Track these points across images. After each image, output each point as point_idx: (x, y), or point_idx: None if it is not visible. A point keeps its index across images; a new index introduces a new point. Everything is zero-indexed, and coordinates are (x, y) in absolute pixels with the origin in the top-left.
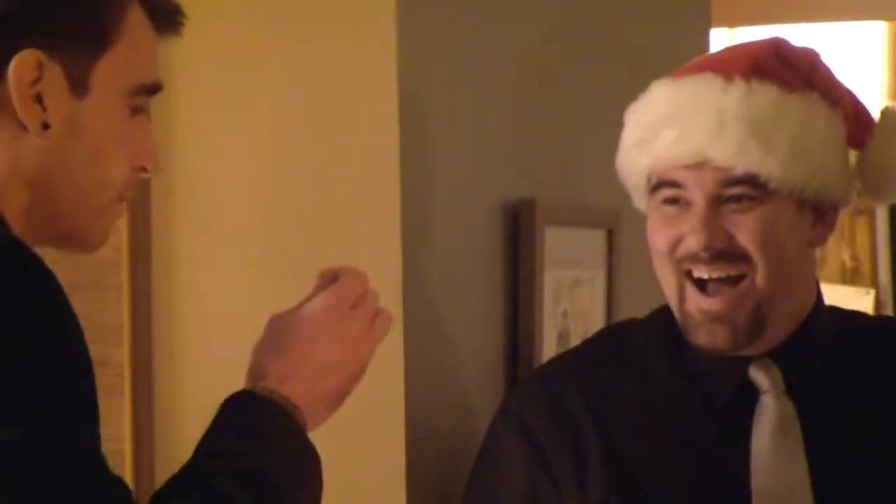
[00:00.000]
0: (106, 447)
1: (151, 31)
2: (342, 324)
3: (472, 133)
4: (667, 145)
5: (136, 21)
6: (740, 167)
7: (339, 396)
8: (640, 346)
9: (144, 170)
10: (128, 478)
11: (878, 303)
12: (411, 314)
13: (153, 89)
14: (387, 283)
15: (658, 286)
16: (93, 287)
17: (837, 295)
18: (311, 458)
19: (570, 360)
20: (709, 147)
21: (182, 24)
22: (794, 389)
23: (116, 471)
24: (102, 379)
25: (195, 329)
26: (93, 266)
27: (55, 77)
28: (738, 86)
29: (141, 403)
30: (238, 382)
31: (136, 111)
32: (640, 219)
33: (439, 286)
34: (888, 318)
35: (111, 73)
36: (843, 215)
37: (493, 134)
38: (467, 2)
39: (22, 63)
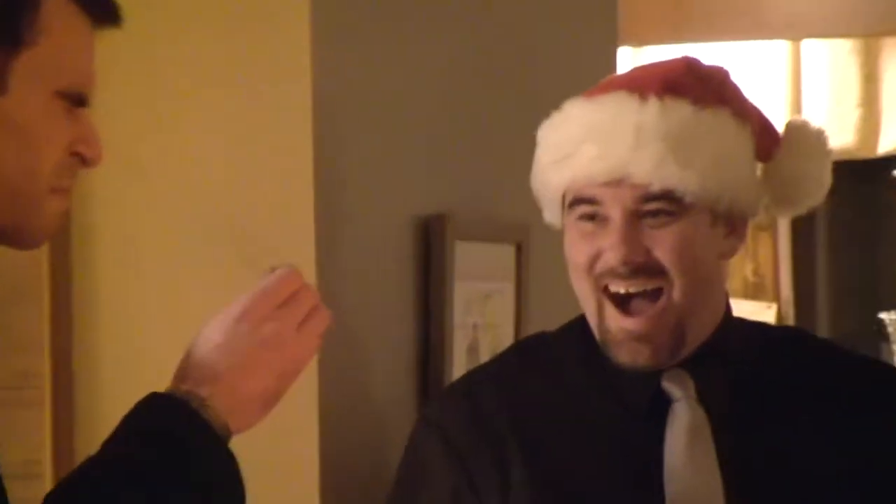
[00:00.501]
0: (26, 458)
1: (84, 28)
2: (264, 323)
3: (385, 148)
4: (585, 163)
5: (58, 19)
6: (658, 183)
7: (270, 397)
8: (555, 358)
9: (83, 158)
10: (47, 489)
11: (780, 317)
12: None
13: (79, 98)
14: None
15: (565, 299)
16: (12, 298)
17: (741, 309)
18: (220, 459)
19: (488, 370)
20: (628, 164)
21: (118, 14)
22: (705, 397)
23: (36, 483)
24: (23, 392)
25: (116, 339)
26: (12, 276)
27: None
28: (654, 103)
29: (61, 415)
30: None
31: (68, 109)
32: (548, 233)
33: (351, 299)
34: (791, 327)
35: (32, 71)
36: None
37: (407, 150)
38: (383, 21)
39: None
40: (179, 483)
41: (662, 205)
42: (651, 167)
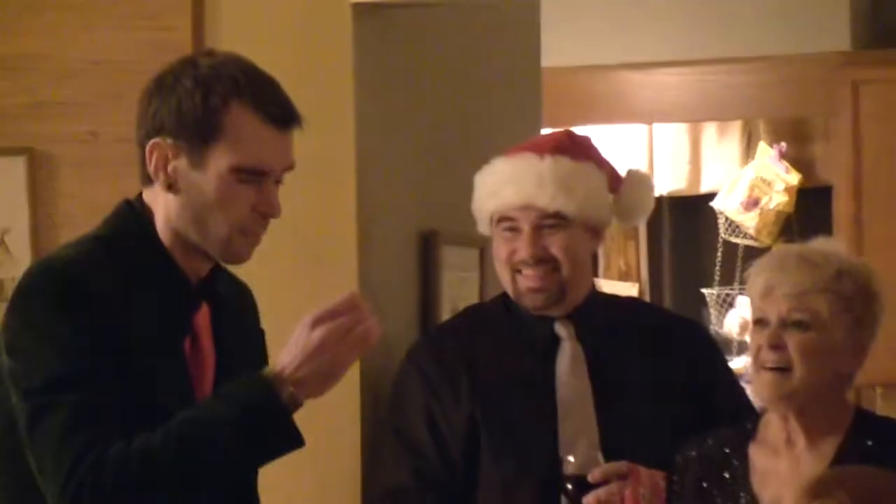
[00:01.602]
0: None
1: (263, 126)
2: (318, 330)
3: (400, 183)
4: (508, 196)
5: (238, 120)
6: (552, 208)
7: (324, 380)
8: (488, 315)
9: (262, 214)
10: None
11: (640, 291)
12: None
13: (255, 171)
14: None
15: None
16: None
17: (616, 287)
18: (279, 414)
19: (449, 325)
20: (534, 197)
21: (290, 116)
22: (581, 337)
23: None
24: None
25: None
26: None
27: (178, 156)
28: (548, 159)
29: None
30: None
31: (245, 181)
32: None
33: (381, 284)
34: (632, 297)
35: (221, 156)
36: (618, 238)
37: (413, 184)
38: (399, 88)
39: (151, 147)
40: (248, 421)
41: (555, 220)
42: (548, 199)
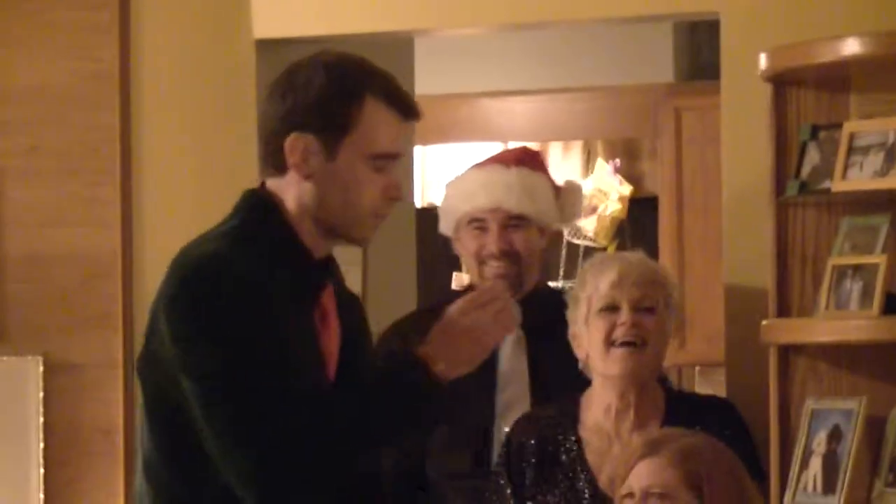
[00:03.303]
0: None
1: (391, 116)
2: (467, 317)
3: None
4: (480, 200)
5: (371, 113)
6: (517, 210)
7: (468, 361)
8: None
9: (391, 198)
10: None
11: None
12: None
13: (386, 156)
14: None
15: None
16: None
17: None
18: (433, 390)
19: (414, 312)
20: (502, 200)
21: (415, 111)
22: (526, 321)
23: None
24: None
25: None
26: None
27: (315, 149)
28: (514, 169)
29: None
30: None
31: (378, 167)
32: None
33: None
34: (554, 288)
35: (353, 146)
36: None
37: None
38: None
39: (292, 142)
40: (406, 400)
41: (518, 221)
42: (515, 202)
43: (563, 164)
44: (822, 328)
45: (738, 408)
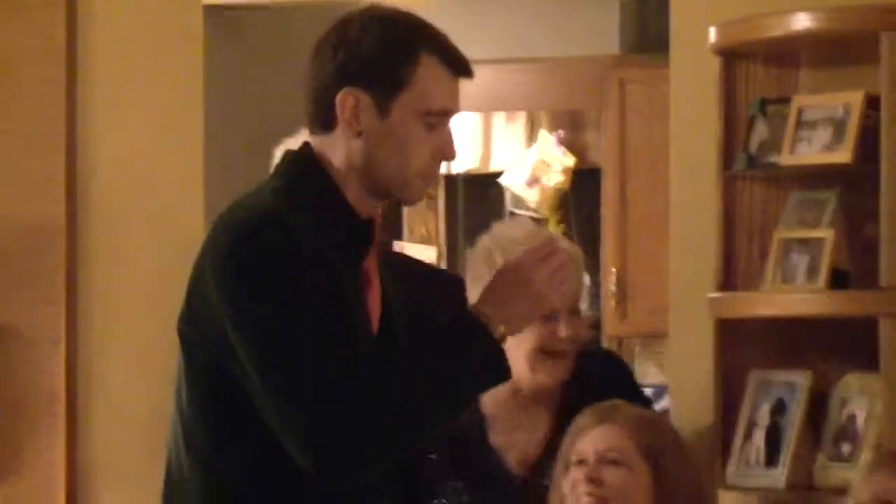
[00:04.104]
0: None
1: (445, 73)
2: (525, 273)
3: (240, 170)
4: None
5: (426, 70)
6: None
7: (525, 318)
8: None
9: (443, 157)
10: None
11: (438, 254)
12: None
13: (441, 113)
14: None
15: None
16: None
17: (419, 249)
18: (493, 349)
19: None
20: None
21: (469, 69)
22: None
23: None
24: None
25: None
26: None
27: (367, 105)
28: None
29: None
30: None
31: (431, 125)
32: None
33: None
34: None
35: (407, 103)
36: (421, 207)
37: (255, 172)
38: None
39: (344, 97)
40: (466, 356)
41: None
42: None
43: (507, 134)
44: (768, 302)
45: (682, 380)
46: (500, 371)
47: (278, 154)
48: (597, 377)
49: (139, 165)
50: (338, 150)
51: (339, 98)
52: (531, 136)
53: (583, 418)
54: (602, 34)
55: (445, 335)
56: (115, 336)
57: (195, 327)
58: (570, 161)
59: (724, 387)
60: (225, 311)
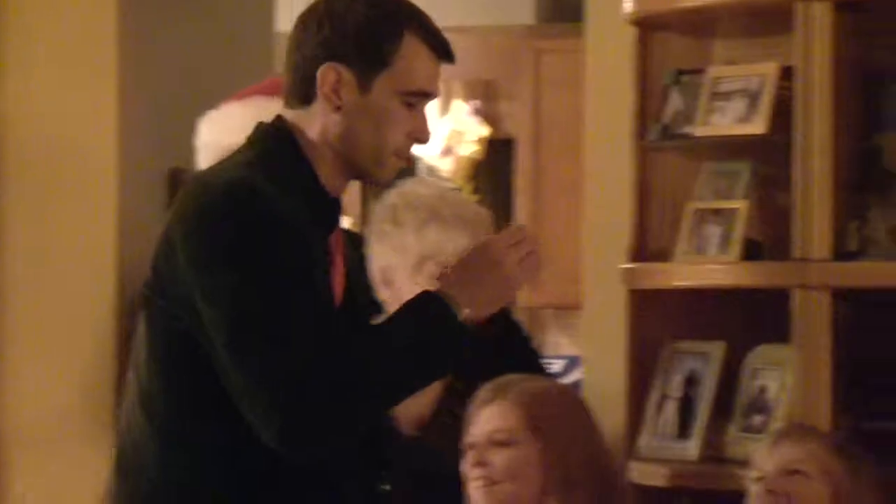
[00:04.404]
0: None
1: (428, 55)
2: (499, 256)
3: (152, 120)
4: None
5: (410, 49)
6: None
7: (492, 301)
8: None
9: (418, 140)
10: None
11: (353, 225)
12: None
13: (421, 94)
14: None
15: None
16: None
17: None
18: (455, 331)
19: None
20: None
21: (450, 53)
22: None
23: None
24: None
25: None
26: None
27: (349, 80)
28: (276, 99)
29: None
30: None
31: (410, 105)
32: None
33: (136, 217)
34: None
35: (389, 81)
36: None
37: (166, 123)
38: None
39: (326, 71)
40: (427, 334)
41: None
42: None
43: None
44: (681, 272)
45: (594, 351)
46: (460, 353)
47: (204, 128)
48: (492, 340)
49: (54, 132)
50: (314, 125)
51: (320, 72)
52: (445, 106)
53: (477, 397)
54: (517, 3)
55: (410, 315)
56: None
57: (160, 294)
58: (484, 131)
59: (637, 358)
60: (195, 279)
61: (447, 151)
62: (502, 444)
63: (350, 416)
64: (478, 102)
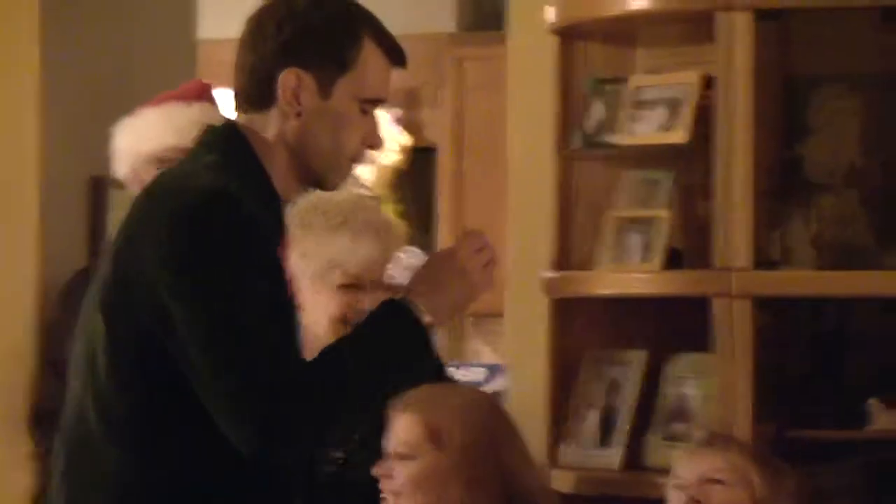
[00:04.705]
0: None
1: (384, 60)
2: (465, 264)
3: (72, 126)
4: (168, 139)
5: (368, 56)
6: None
7: (456, 308)
8: None
9: (371, 146)
10: None
11: None
12: None
13: (376, 101)
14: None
15: None
16: None
17: None
18: (422, 340)
19: None
20: (187, 139)
21: (403, 58)
22: None
23: None
24: None
25: None
26: None
27: (309, 85)
28: (195, 105)
29: None
30: None
31: (365, 111)
32: None
33: (55, 225)
34: None
35: (348, 87)
36: None
37: (87, 130)
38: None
39: (286, 76)
40: (393, 344)
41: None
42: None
43: None
44: (603, 281)
45: (517, 359)
46: (426, 361)
47: (120, 135)
48: None
49: None
50: (270, 129)
51: (282, 76)
52: None
53: (391, 410)
54: (439, 11)
55: (378, 325)
56: None
57: (123, 298)
58: (406, 139)
59: (560, 366)
60: (172, 282)
61: (369, 160)
62: (405, 457)
63: (322, 422)
64: (399, 111)
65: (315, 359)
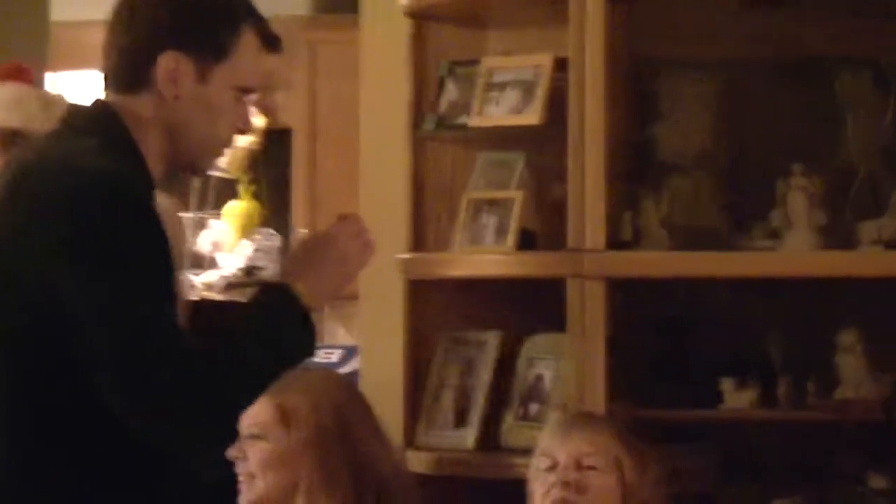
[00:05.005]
0: None
1: (260, 48)
2: (344, 248)
3: None
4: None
5: (246, 44)
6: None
7: (332, 294)
8: None
9: (242, 130)
10: None
11: None
12: None
13: (250, 90)
14: None
15: None
16: None
17: None
18: (306, 326)
19: None
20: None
21: (281, 46)
22: None
23: None
24: None
25: None
26: None
27: (187, 70)
28: (7, 85)
29: None
30: None
31: (238, 98)
32: None
33: None
34: None
35: (225, 74)
36: None
37: None
38: None
39: (166, 59)
40: (274, 328)
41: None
42: (3, 115)
43: None
44: (457, 262)
45: (371, 341)
46: (311, 346)
47: None
48: None
49: None
50: (143, 112)
51: (162, 60)
52: None
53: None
54: None
55: (260, 311)
56: None
57: (5, 292)
58: (260, 122)
59: (415, 347)
60: (67, 265)
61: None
62: (256, 437)
63: (215, 405)
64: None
65: (207, 343)
